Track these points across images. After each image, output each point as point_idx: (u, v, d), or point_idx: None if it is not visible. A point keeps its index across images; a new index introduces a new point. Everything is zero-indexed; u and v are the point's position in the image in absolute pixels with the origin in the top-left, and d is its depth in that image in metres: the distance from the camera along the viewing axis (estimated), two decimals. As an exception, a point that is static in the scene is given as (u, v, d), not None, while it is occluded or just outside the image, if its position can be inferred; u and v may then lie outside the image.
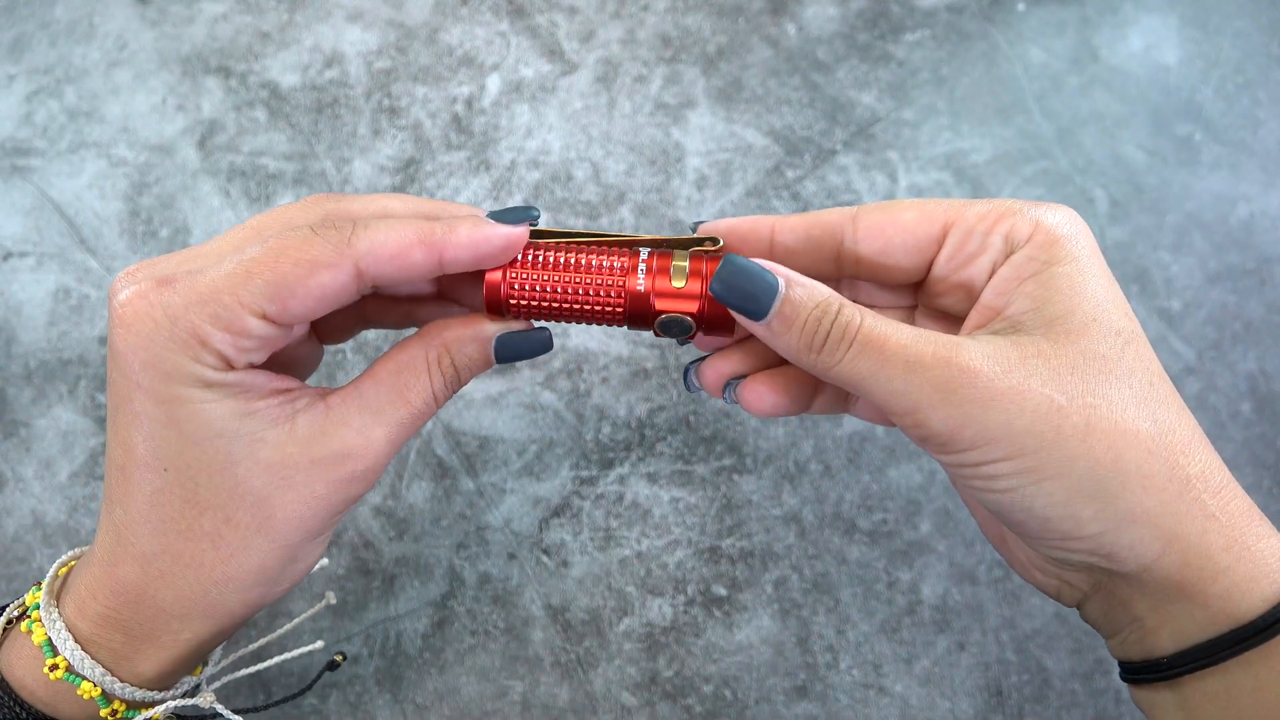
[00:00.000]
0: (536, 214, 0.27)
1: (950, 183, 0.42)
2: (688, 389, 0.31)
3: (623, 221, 0.42)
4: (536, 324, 0.28)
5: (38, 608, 0.26)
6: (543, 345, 0.27)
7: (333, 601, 0.33)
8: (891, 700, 0.37)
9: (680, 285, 0.27)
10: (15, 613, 0.27)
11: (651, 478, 0.39)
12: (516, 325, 0.27)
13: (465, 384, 0.27)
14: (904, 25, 0.44)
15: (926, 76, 0.44)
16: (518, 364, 0.40)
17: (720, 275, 0.25)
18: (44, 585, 0.26)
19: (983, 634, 0.37)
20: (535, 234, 0.27)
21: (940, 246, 0.27)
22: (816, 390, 0.29)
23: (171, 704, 0.27)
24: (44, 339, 0.40)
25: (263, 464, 0.24)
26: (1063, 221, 0.25)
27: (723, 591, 0.38)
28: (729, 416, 0.40)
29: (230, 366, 0.24)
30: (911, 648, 0.37)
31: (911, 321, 0.29)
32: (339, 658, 0.34)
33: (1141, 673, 0.25)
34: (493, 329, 0.27)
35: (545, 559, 0.38)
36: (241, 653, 0.32)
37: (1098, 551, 0.24)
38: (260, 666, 0.31)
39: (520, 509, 0.39)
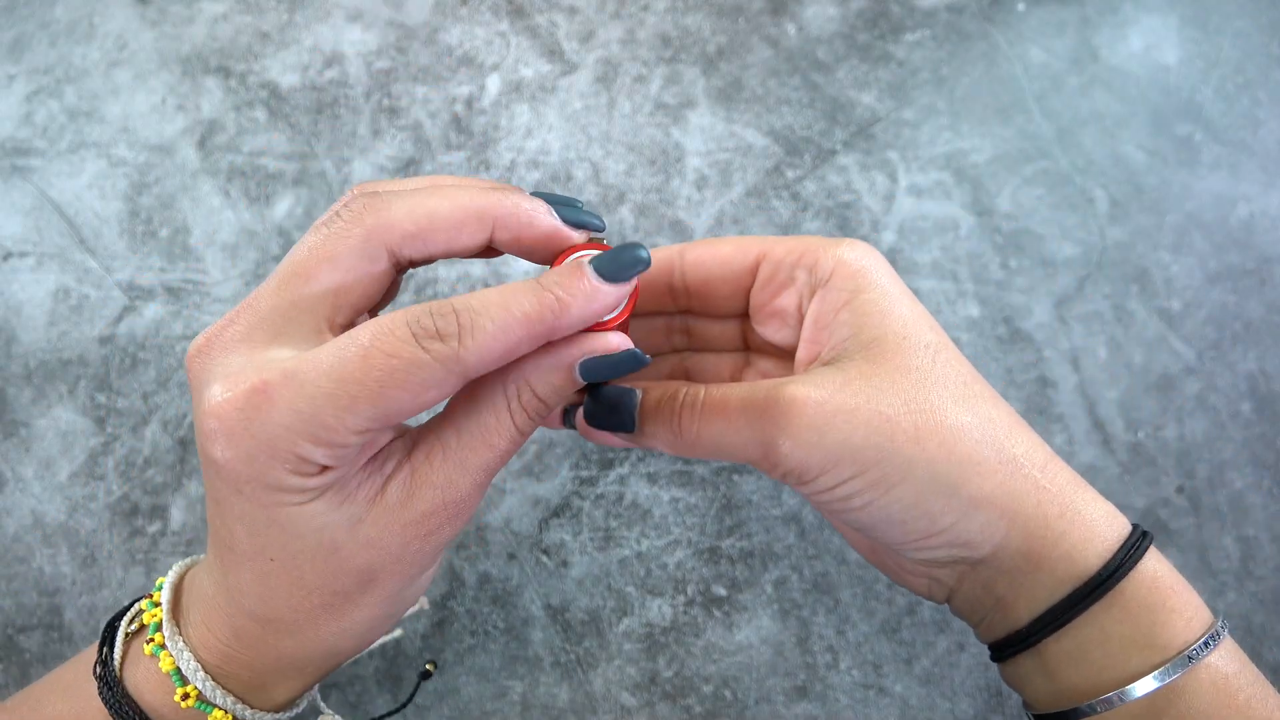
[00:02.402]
0: (645, 259, 0.25)
1: (950, 183, 0.42)
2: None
3: (623, 221, 0.42)
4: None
5: (157, 629, 0.26)
6: (629, 362, 0.25)
7: (426, 607, 0.34)
8: (891, 700, 0.37)
9: None
10: (132, 628, 0.27)
11: (651, 478, 0.39)
12: (597, 341, 0.25)
13: (554, 409, 0.26)
14: (904, 25, 0.44)
15: (926, 76, 0.44)
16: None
17: (590, 405, 0.27)
18: (163, 606, 0.27)
19: (983, 634, 0.37)
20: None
21: (754, 278, 0.29)
22: None
23: None
24: (44, 339, 0.40)
25: (363, 541, 0.24)
26: (860, 255, 0.27)
27: (723, 591, 0.38)
28: (729, 416, 0.40)
29: (326, 470, 0.23)
30: (911, 648, 0.37)
31: (748, 364, 0.32)
32: (430, 666, 0.35)
33: (1006, 647, 0.28)
34: (575, 351, 0.25)
35: (545, 559, 0.38)
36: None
37: (955, 542, 0.26)
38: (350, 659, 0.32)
39: (520, 509, 0.39)
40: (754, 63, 0.44)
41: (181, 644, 0.26)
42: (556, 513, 0.39)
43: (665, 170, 0.42)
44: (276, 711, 0.27)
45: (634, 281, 0.25)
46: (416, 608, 0.34)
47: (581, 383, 0.25)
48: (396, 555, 0.25)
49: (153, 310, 0.41)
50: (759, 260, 0.29)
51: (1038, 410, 0.40)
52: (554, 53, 0.44)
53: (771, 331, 0.30)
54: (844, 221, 0.42)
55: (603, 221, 0.26)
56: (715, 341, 0.33)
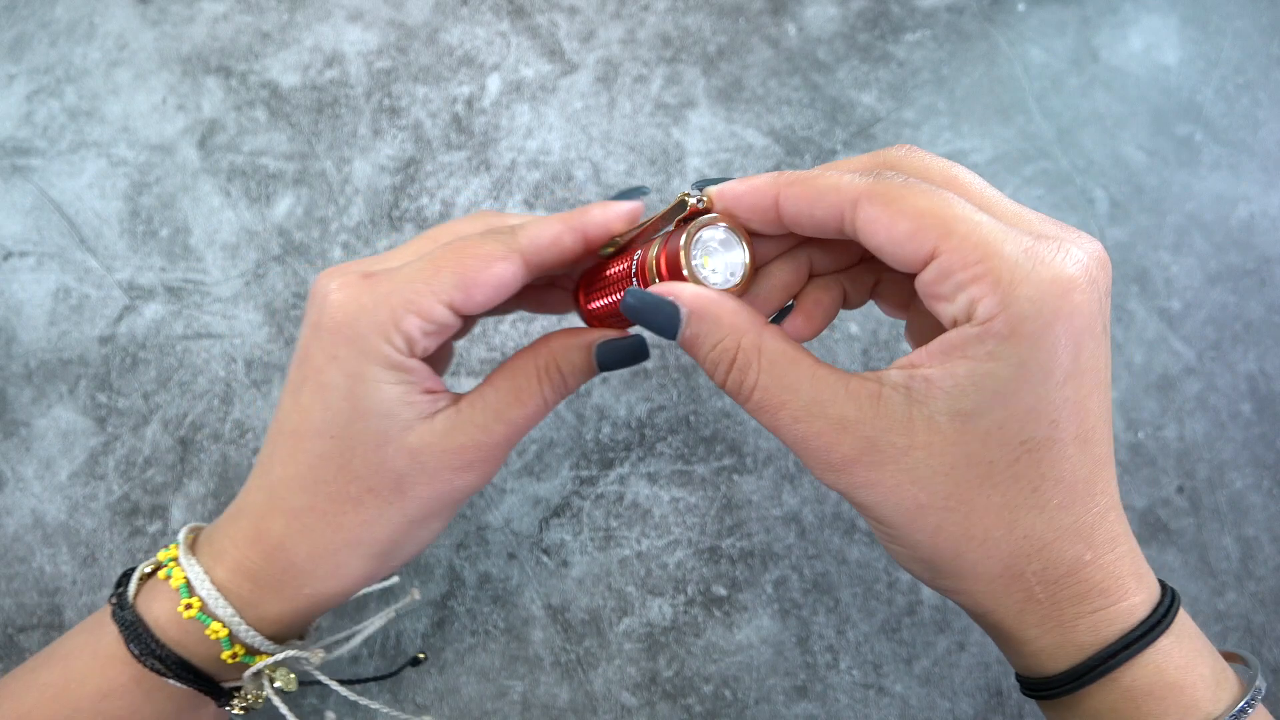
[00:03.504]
0: (646, 191, 0.31)
1: (950, 183, 0.42)
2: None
3: (623, 221, 0.42)
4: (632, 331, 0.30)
5: (172, 561, 0.29)
6: (634, 351, 0.30)
7: (417, 597, 0.35)
8: (891, 700, 0.37)
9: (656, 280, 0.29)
10: (148, 569, 0.30)
11: (651, 478, 0.39)
12: (613, 333, 0.30)
13: (574, 389, 0.31)
14: (904, 25, 0.44)
15: (926, 76, 0.44)
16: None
17: (627, 303, 0.28)
18: (180, 540, 0.30)
19: (982, 634, 0.37)
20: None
21: (924, 267, 0.25)
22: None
23: (286, 653, 0.30)
24: (44, 339, 0.40)
25: (407, 448, 0.28)
26: (1031, 319, 0.22)
27: (723, 591, 0.38)
28: (729, 416, 0.40)
29: (412, 352, 0.28)
30: (911, 648, 0.37)
31: (912, 295, 0.29)
32: (421, 655, 0.36)
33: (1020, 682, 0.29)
34: (593, 337, 0.30)
35: (545, 559, 0.38)
36: (331, 639, 0.33)
37: (943, 590, 0.27)
38: (361, 629, 0.33)
39: (520, 509, 0.39)
40: (754, 63, 0.44)
41: (194, 560, 0.29)
42: (557, 512, 0.39)
43: (666, 170, 0.42)
44: (266, 637, 0.29)
45: (639, 202, 0.30)
46: (407, 599, 0.34)
47: (598, 369, 0.30)
48: (430, 475, 0.29)
49: (153, 310, 0.41)
50: (934, 255, 0.24)
51: (1038, 410, 0.40)
52: (554, 53, 0.44)
53: (916, 309, 0.29)
54: (844, 221, 0.42)
55: (647, 188, 0.32)
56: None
